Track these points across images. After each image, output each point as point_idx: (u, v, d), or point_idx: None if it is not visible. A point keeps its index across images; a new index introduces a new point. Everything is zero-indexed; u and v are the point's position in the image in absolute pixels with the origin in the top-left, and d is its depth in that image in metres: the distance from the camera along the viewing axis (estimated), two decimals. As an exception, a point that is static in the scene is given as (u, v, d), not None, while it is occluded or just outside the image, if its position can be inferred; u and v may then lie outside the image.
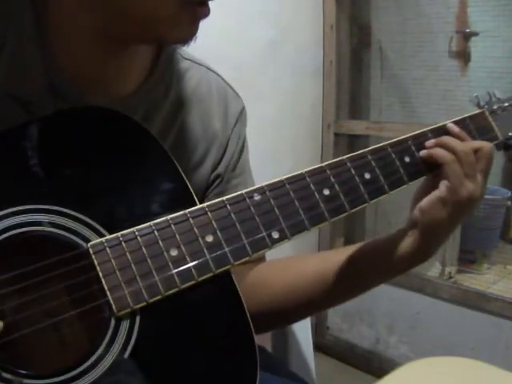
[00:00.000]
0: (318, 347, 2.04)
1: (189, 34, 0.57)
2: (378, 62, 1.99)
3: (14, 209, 0.50)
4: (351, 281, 0.69)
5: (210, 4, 0.56)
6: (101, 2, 0.54)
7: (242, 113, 0.76)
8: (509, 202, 1.99)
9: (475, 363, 0.80)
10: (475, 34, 1.83)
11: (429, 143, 0.65)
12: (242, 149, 0.76)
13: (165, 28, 0.55)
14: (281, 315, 0.73)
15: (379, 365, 1.88)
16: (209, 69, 0.73)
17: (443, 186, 0.61)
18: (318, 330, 2.08)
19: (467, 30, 1.84)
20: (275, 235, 0.56)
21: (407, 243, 0.64)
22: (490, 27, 1.78)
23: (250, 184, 0.77)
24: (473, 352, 1.65)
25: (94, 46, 0.58)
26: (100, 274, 0.50)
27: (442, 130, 0.67)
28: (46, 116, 0.55)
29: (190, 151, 0.69)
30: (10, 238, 0.49)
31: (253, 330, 0.54)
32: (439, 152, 0.63)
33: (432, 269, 1.88)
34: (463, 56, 1.88)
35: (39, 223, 0.50)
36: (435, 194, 0.61)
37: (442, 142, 0.64)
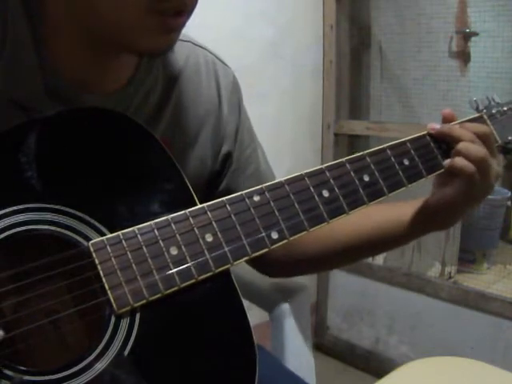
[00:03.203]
0: (318, 347, 2.04)
1: (161, 45, 0.56)
2: (378, 62, 1.99)
3: (16, 207, 0.50)
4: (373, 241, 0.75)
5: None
6: (79, 6, 0.53)
7: (234, 82, 0.76)
8: (509, 202, 1.99)
9: (475, 363, 0.80)
10: (475, 34, 1.83)
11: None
12: (244, 117, 0.77)
13: (133, 36, 0.54)
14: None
15: (379, 365, 1.88)
16: (194, 44, 0.72)
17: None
18: (318, 330, 2.08)
19: (467, 30, 1.84)
20: (274, 236, 0.56)
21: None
22: (489, 27, 1.78)
23: (260, 150, 0.79)
24: (472, 352, 1.65)
25: (84, 48, 0.58)
26: (101, 273, 0.50)
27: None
28: (49, 116, 0.55)
29: (183, 131, 0.69)
30: (12, 236, 0.49)
31: (251, 329, 0.54)
32: (460, 163, 0.64)
33: (432, 269, 1.88)
34: (463, 56, 1.89)
35: (41, 222, 0.51)
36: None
37: (460, 152, 0.65)
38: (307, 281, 1.97)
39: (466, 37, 1.87)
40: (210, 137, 0.72)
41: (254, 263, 0.78)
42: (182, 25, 0.55)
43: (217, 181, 0.75)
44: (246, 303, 0.56)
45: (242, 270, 0.80)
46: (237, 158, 0.75)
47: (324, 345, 2.06)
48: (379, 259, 1.94)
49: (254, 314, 0.68)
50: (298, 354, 0.92)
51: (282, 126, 1.91)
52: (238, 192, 0.56)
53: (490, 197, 1.95)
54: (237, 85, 0.76)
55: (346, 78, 1.98)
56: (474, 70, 1.86)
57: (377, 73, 2.00)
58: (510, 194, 2.01)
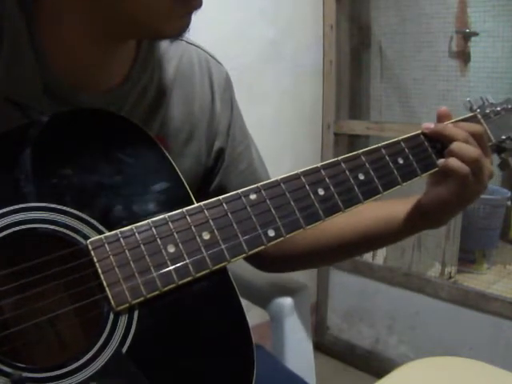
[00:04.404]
0: (318, 347, 2.04)
1: (183, 27, 0.57)
2: (378, 62, 1.99)
3: (15, 207, 0.50)
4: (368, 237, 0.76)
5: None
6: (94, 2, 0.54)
7: (227, 79, 0.77)
8: (509, 202, 1.99)
9: (475, 363, 0.80)
10: (475, 34, 1.84)
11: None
12: (237, 114, 0.78)
13: (159, 23, 0.55)
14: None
15: (379, 365, 1.88)
16: (187, 42, 0.73)
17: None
18: (318, 330, 2.08)
19: (467, 30, 1.84)
20: (271, 233, 0.57)
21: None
22: (489, 27, 1.78)
23: (254, 149, 0.80)
24: (472, 352, 1.64)
25: (87, 43, 0.58)
26: (99, 270, 0.50)
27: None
28: (47, 117, 0.55)
29: (178, 129, 0.70)
30: (11, 236, 0.50)
31: (249, 326, 0.54)
32: (454, 164, 0.65)
33: (432, 269, 1.88)
34: (463, 56, 1.89)
35: (40, 221, 0.51)
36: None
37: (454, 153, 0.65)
38: (307, 281, 1.97)
39: (466, 37, 1.87)
40: (205, 133, 0.73)
41: (248, 258, 0.79)
42: (200, 5, 0.57)
43: (210, 177, 0.75)
44: (244, 302, 0.57)
45: (241, 269, 0.80)
46: (229, 154, 0.76)
47: (324, 345, 2.06)
48: (379, 259, 1.94)
49: (254, 314, 0.69)
50: (298, 354, 0.92)
51: (282, 126, 1.91)
52: (230, 188, 0.57)
53: (490, 197, 1.95)
54: (229, 82, 0.77)
55: (346, 77, 1.98)
56: (474, 70, 1.86)
57: (377, 73, 2.00)
58: (510, 193, 2.01)
